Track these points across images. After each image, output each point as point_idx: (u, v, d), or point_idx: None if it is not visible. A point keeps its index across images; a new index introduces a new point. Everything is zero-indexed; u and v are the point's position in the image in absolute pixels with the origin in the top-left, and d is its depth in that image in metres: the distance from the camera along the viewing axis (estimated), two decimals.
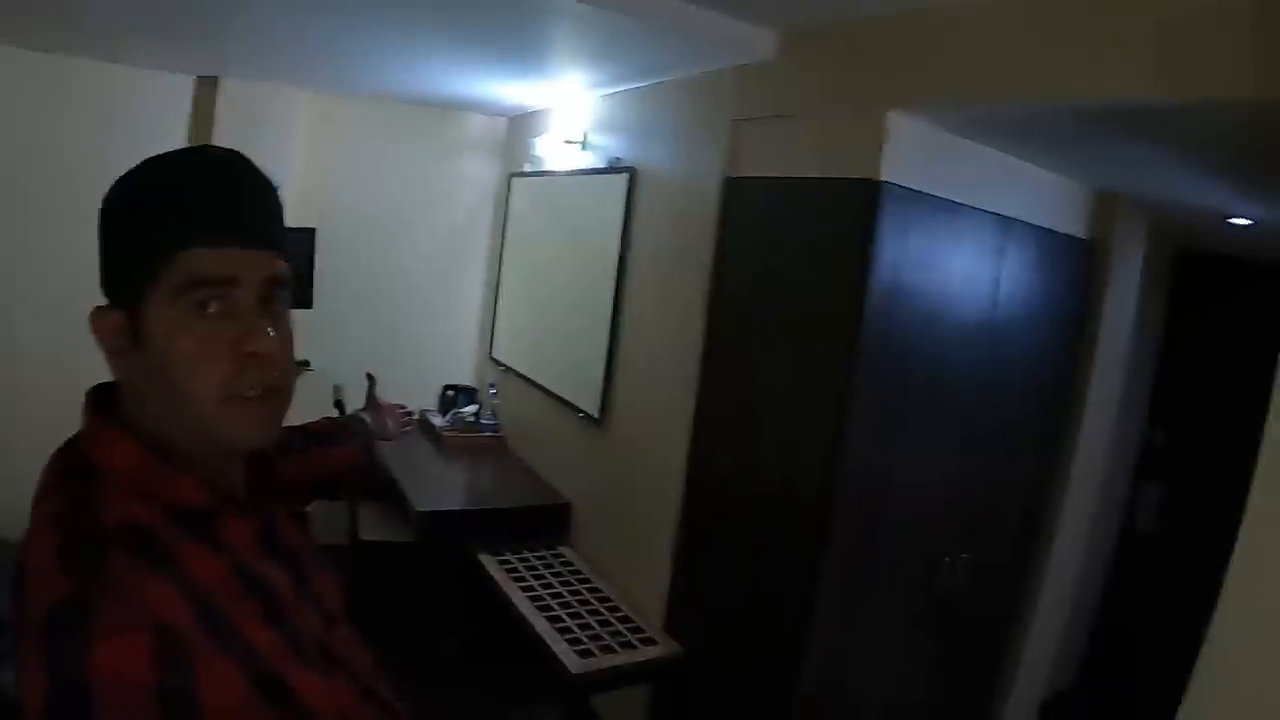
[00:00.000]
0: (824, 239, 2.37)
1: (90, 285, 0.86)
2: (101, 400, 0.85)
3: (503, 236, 4.76)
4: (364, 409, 1.68)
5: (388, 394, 1.74)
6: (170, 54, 3.83)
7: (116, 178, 0.82)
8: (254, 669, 0.73)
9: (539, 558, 3.42)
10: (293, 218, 4.06)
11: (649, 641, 2.84)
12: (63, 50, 3.87)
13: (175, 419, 0.80)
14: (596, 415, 3.45)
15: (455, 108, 4.67)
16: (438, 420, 4.47)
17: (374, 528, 4.05)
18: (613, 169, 3.48)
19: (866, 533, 2.41)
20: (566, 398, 3.73)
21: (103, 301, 0.82)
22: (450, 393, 4.72)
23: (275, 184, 0.90)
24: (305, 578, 0.92)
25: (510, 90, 3.91)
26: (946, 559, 2.65)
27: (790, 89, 2.56)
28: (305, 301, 4.42)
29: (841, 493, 2.30)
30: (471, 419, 4.42)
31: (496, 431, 4.41)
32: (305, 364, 4.65)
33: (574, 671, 2.62)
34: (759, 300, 2.61)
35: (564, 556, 3.46)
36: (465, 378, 4.94)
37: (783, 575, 2.43)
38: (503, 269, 4.74)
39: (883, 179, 2.19)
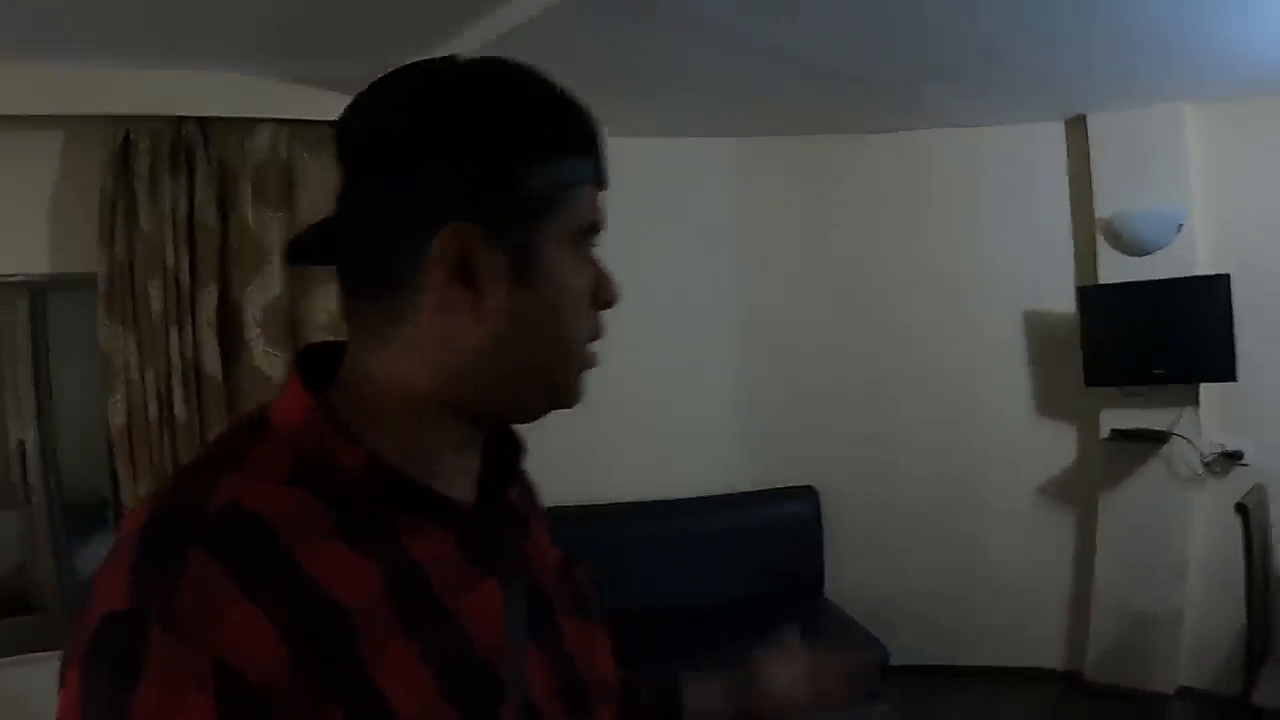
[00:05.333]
0: None
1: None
2: (310, 363, 0.70)
3: None
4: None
5: None
6: (1031, 101, 3.60)
7: (506, 84, 0.68)
8: None
9: None
10: (1199, 262, 3.29)
11: None
12: (917, 126, 4.08)
13: (509, 378, 0.68)
14: None
15: None
16: None
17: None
18: None
19: None
20: None
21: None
22: None
23: None
24: (546, 619, 0.73)
25: None
26: None
27: None
28: (1227, 372, 3.48)
29: None
30: None
31: None
32: (1237, 456, 3.56)
33: None
34: None
35: None
36: None
37: None
38: None
39: None
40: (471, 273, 0.64)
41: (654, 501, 4.00)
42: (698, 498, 4.04)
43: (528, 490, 0.84)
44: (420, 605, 0.62)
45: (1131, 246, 3.73)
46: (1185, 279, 3.58)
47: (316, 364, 0.69)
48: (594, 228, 0.70)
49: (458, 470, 0.70)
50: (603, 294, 0.72)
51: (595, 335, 0.72)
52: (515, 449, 0.77)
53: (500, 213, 0.64)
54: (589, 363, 0.72)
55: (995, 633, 4.15)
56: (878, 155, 4.17)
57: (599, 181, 0.70)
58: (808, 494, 4.13)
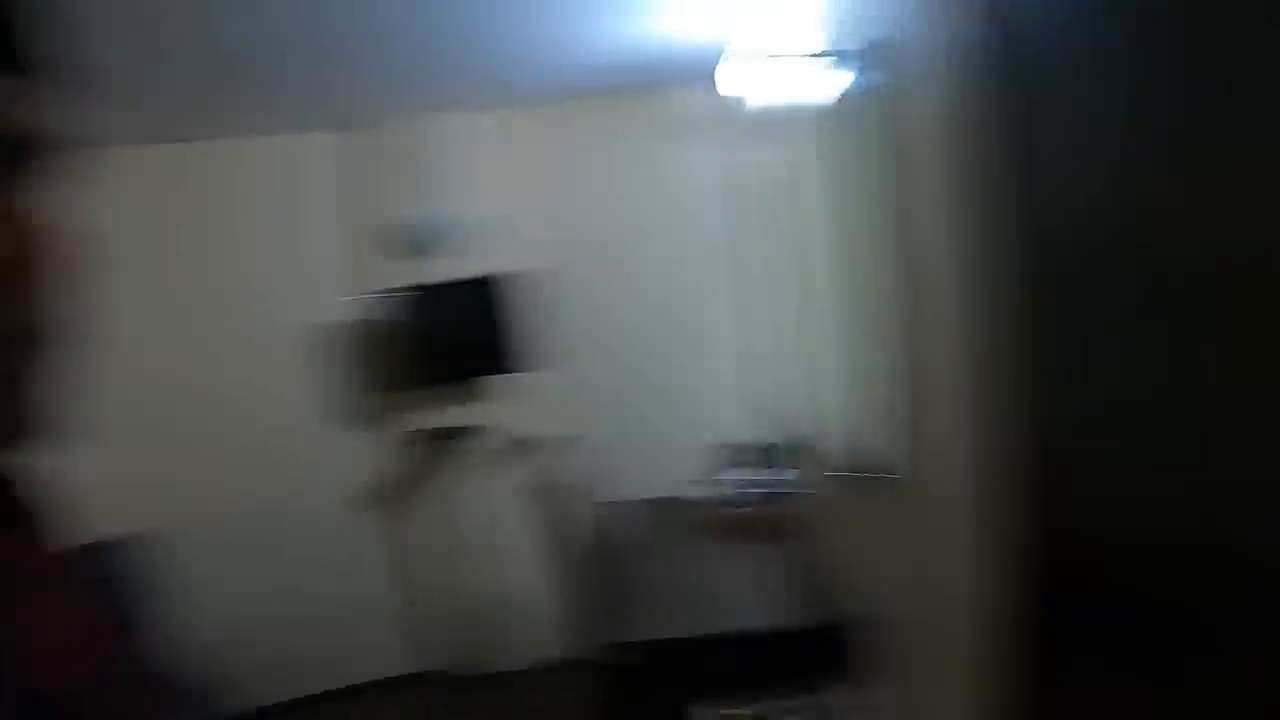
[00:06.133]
0: None
1: None
2: None
3: (773, 230, 3.62)
4: None
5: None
6: (318, 112, 3.40)
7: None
8: None
9: (795, 711, 2.13)
10: (497, 262, 3.38)
11: None
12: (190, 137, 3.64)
13: None
14: (889, 471, 2.06)
15: (655, 87, 3.66)
16: (704, 493, 3.33)
17: None
18: (849, 58, 2.10)
19: None
20: (852, 444, 2.39)
21: None
22: (734, 452, 3.58)
23: None
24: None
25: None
26: None
27: None
28: (527, 364, 3.69)
29: None
30: (759, 488, 3.19)
31: (794, 504, 3.08)
32: (546, 440, 3.84)
33: None
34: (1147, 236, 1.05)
35: (837, 707, 2.14)
36: (753, 429, 3.75)
37: None
38: (780, 272, 3.59)
39: None
40: None
41: None
42: None
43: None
44: None
45: (430, 251, 3.71)
46: (471, 280, 3.68)
47: None
48: None
49: None
50: None
51: None
52: None
53: None
54: None
55: (354, 649, 3.96)
56: (147, 168, 3.60)
57: None
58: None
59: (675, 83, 3.61)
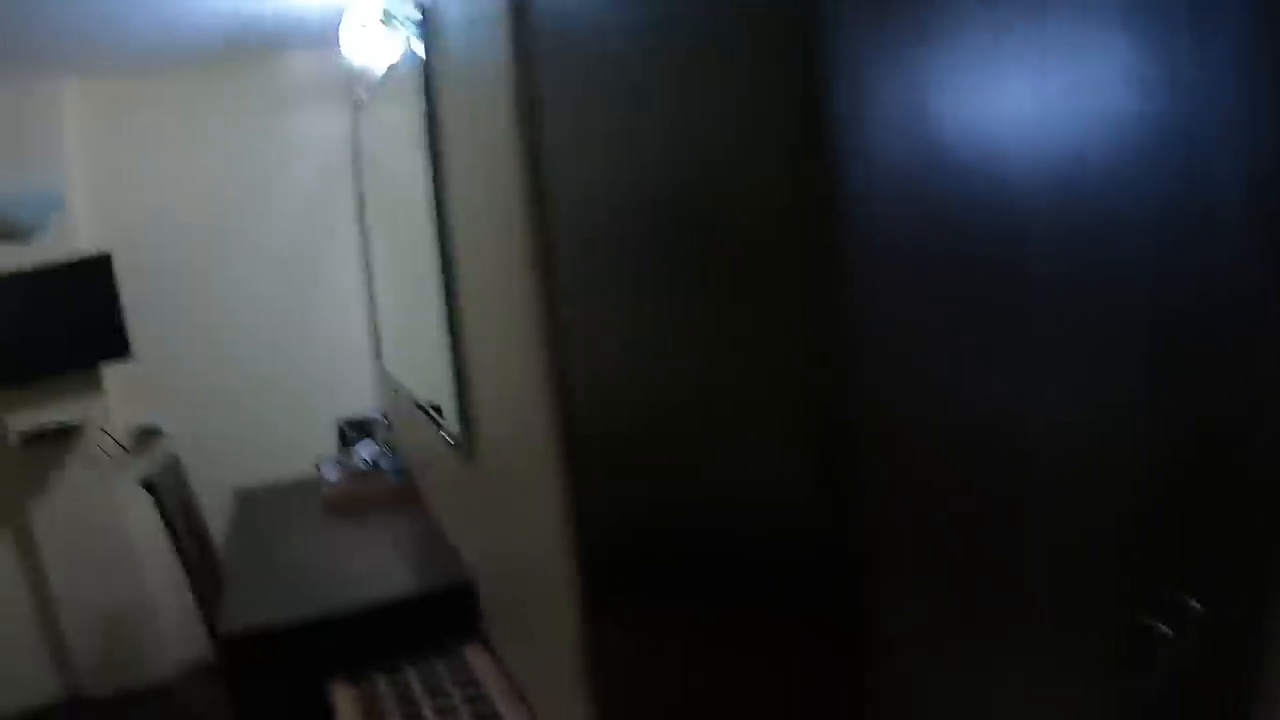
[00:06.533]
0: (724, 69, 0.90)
1: None
2: None
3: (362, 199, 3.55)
4: None
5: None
6: None
7: None
8: None
9: (426, 674, 2.17)
10: (81, 243, 2.98)
11: None
12: None
13: None
14: (460, 437, 2.14)
15: (272, 48, 3.41)
16: (327, 472, 3.24)
17: None
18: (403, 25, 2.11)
19: (958, 566, 0.88)
20: (431, 413, 2.46)
21: None
22: (348, 431, 3.52)
23: None
24: None
25: None
26: (1155, 610, 1.01)
27: None
28: (122, 351, 3.34)
29: (881, 490, 0.83)
30: (367, 464, 3.18)
31: (400, 478, 3.11)
32: (155, 431, 3.59)
33: None
34: (640, 214, 1.11)
35: (466, 665, 2.19)
36: (373, 403, 3.72)
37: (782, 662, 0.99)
38: (368, 244, 3.55)
39: None
40: None
41: None
42: None
43: None
44: None
45: (8, 232, 3.31)
46: (69, 263, 3.28)
47: None
48: None
49: None
50: None
51: None
52: None
53: None
54: None
55: None
56: None
57: None
58: None
59: (294, 46, 3.40)
